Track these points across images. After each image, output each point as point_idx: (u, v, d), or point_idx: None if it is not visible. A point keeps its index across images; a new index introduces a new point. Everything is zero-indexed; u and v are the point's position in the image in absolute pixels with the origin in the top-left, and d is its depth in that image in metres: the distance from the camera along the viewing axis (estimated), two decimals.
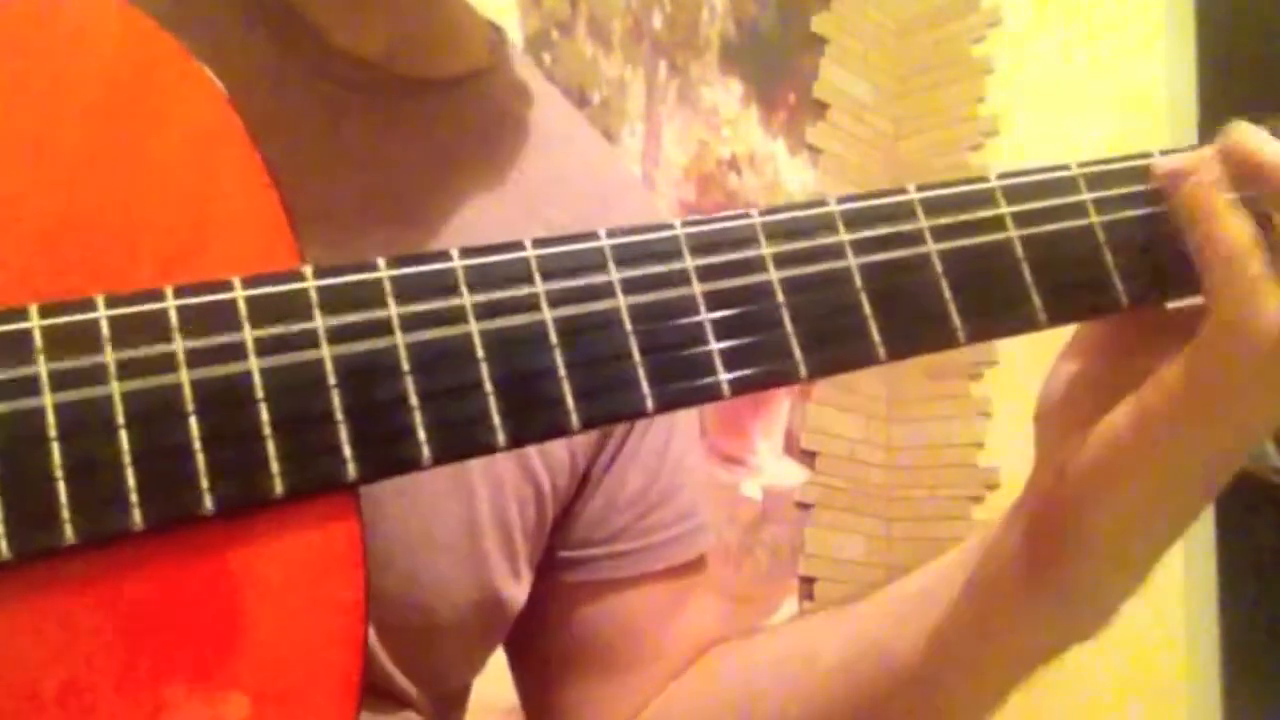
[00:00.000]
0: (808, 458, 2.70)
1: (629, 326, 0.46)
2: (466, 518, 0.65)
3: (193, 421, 0.41)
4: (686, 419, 0.77)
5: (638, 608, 0.74)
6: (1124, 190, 0.52)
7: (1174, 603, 2.36)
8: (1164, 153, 0.53)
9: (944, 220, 0.50)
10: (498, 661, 0.75)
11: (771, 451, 2.63)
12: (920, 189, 0.51)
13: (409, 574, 0.63)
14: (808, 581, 2.66)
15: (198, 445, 0.41)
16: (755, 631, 0.76)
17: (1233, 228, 0.48)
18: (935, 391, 2.78)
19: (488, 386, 0.44)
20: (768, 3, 2.78)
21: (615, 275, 0.46)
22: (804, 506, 2.68)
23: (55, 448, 0.39)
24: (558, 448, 0.69)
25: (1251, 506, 2.35)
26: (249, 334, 0.42)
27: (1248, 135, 0.50)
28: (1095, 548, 0.54)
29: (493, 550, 0.66)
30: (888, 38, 3.02)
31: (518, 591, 0.69)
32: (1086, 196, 0.52)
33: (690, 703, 0.73)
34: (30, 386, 0.40)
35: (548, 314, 0.45)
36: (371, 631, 0.61)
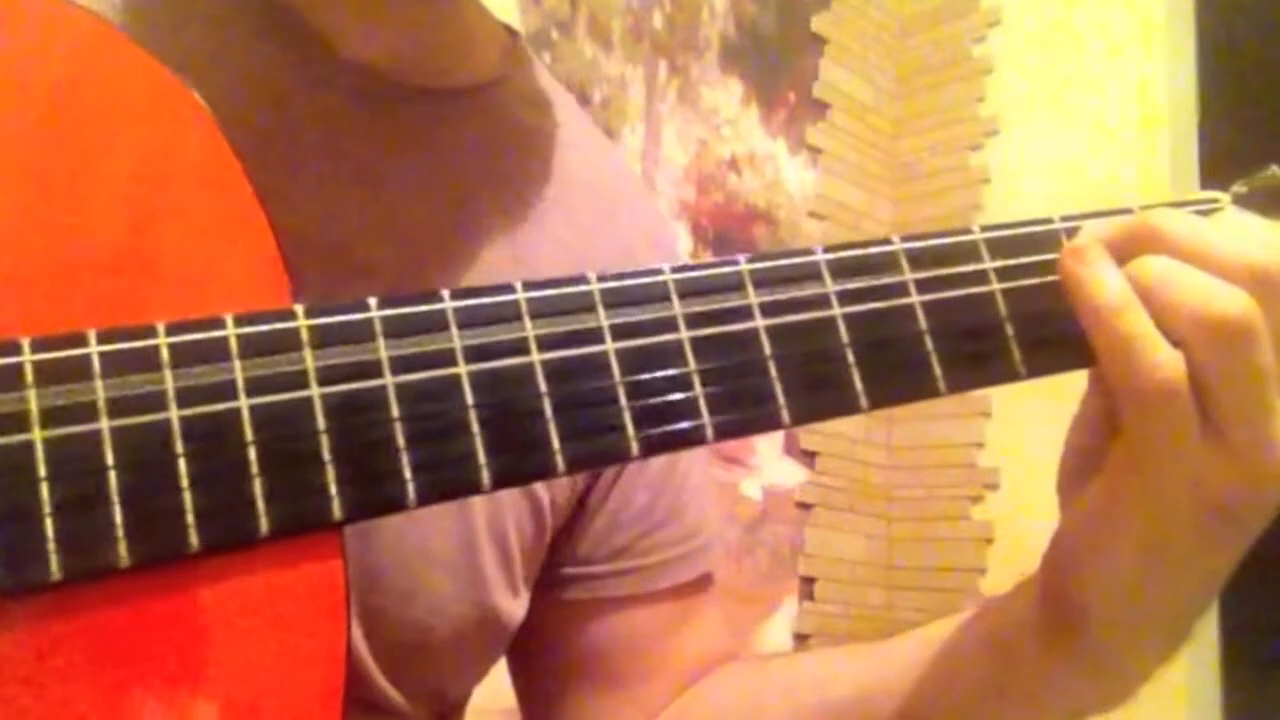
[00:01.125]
0: (808, 458, 2.71)
1: (616, 371, 0.46)
2: (464, 535, 0.64)
3: (181, 460, 0.41)
4: None
5: (641, 624, 0.74)
6: None
7: None
8: (1145, 208, 0.53)
9: (928, 274, 0.51)
10: (497, 663, 0.76)
11: (771, 451, 2.63)
12: (905, 239, 0.51)
13: (406, 591, 0.62)
14: (808, 581, 2.66)
15: (185, 483, 0.41)
16: (768, 657, 0.76)
17: (1102, 285, 0.48)
18: None
19: (475, 428, 0.44)
20: (768, 3, 2.78)
21: (604, 320, 0.46)
22: (804, 506, 2.69)
23: (43, 485, 0.40)
24: None
25: None
26: (239, 372, 0.42)
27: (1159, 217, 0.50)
28: (1096, 617, 0.53)
29: (490, 567, 0.66)
30: (888, 38, 3.02)
31: (515, 608, 0.69)
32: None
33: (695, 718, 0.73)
34: (20, 421, 0.40)
35: (536, 357, 0.45)
36: (367, 648, 0.62)
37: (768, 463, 2.62)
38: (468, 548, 0.65)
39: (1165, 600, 0.52)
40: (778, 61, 2.79)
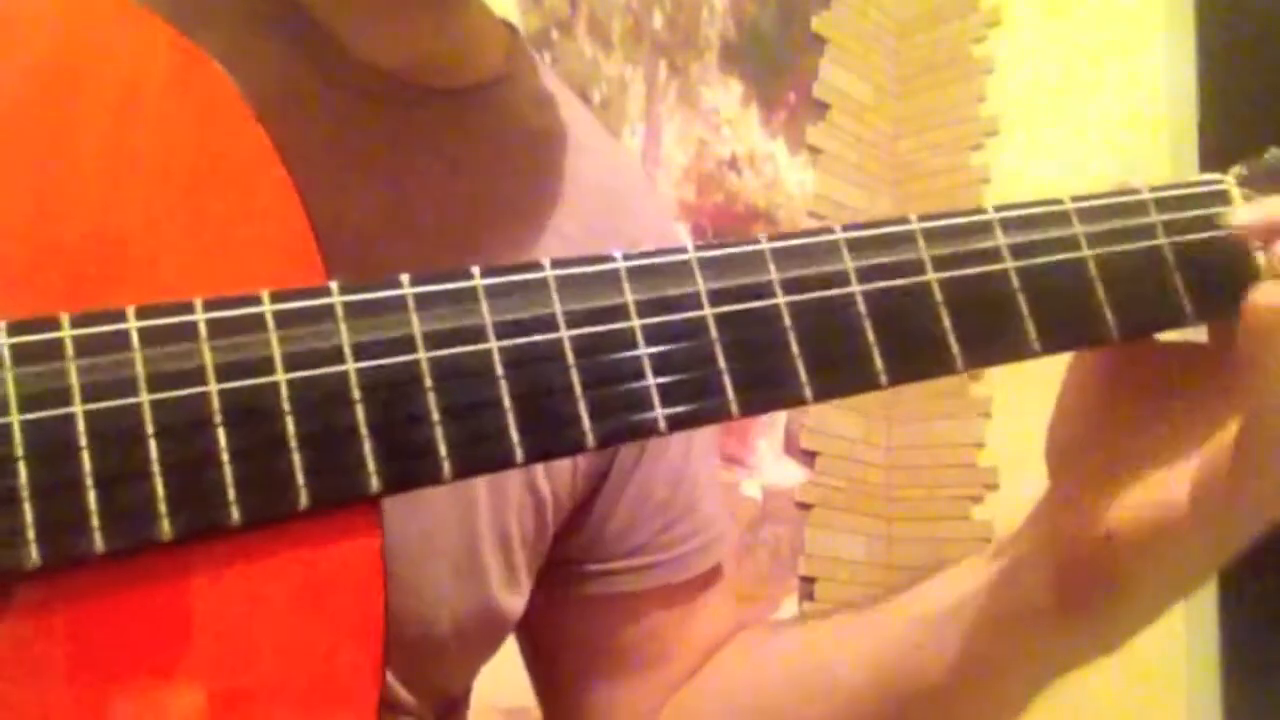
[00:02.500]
0: (808, 458, 2.71)
1: (643, 346, 0.46)
2: (467, 529, 0.65)
3: (220, 433, 0.41)
4: (704, 429, 0.78)
5: (660, 616, 0.74)
6: (1115, 225, 0.53)
7: None
8: (1154, 189, 0.54)
9: (944, 250, 0.51)
10: (497, 661, 0.76)
11: (771, 451, 2.64)
12: (922, 219, 0.51)
13: (410, 585, 0.63)
14: (808, 581, 2.66)
15: (225, 457, 0.41)
16: (775, 629, 0.77)
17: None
18: (935, 391, 2.78)
19: (507, 403, 0.44)
20: (768, 3, 2.78)
21: (630, 296, 0.47)
22: (804, 506, 2.69)
23: (85, 455, 0.40)
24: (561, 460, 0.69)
25: None
26: (276, 347, 0.43)
27: None
28: (1137, 598, 0.54)
29: (492, 562, 0.66)
30: (888, 38, 3.03)
31: (515, 602, 0.69)
32: (1080, 230, 0.53)
33: (705, 701, 0.73)
34: (62, 395, 0.40)
35: (565, 333, 0.45)
36: None
37: (768, 463, 2.62)
38: (470, 543, 0.65)
39: (1201, 579, 0.54)
40: (778, 61, 2.79)
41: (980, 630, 0.59)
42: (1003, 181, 2.80)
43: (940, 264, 0.51)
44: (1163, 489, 0.52)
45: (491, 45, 0.73)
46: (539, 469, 0.68)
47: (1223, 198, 0.55)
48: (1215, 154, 2.46)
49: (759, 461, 2.60)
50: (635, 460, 0.73)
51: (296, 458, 0.42)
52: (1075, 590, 0.55)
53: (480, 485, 0.65)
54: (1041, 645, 0.57)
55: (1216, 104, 2.55)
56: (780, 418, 2.64)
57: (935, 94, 2.95)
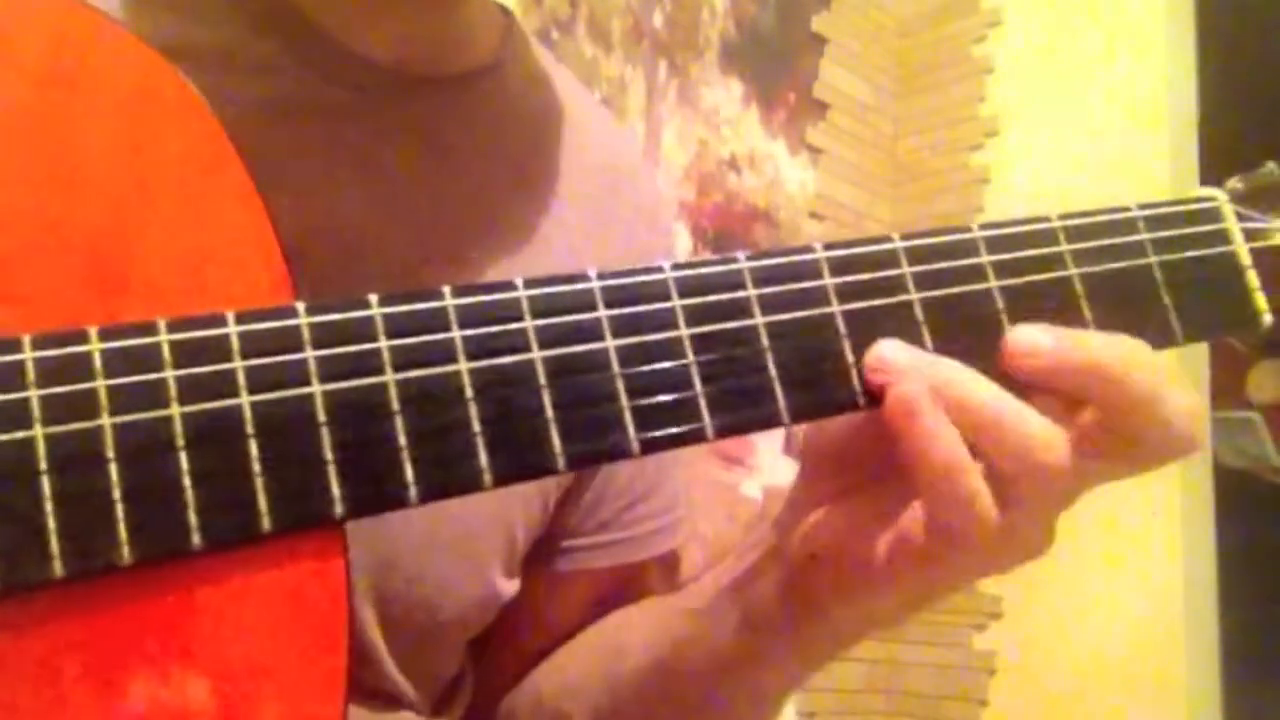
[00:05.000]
0: None
1: (617, 368, 0.46)
2: (470, 518, 0.65)
3: (183, 456, 0.41)
4: None
5: (611, 595, 0.75)
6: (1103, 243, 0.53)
7: (1174, 603, 2.36)
8: (1143, 206, 0.54)
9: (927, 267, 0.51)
10: None
11: (771, 451, 2.63)
12: (905, 237, 0.51)
13: (415, 573, 0.63)
14: None
15: (187, 481, 0.41)
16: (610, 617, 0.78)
17: (947, 440, 0.47)
18: None
19: (476, 426, 0.44)
20: (768, 3, 2.78)
21: (603, 313, 0.46)
22: None
23: (44, 480, 0.40)
24: None
25: (1252, 506, 2.36)
26: (240, 368, 0.42)
27: (954, 373, 0.49)
28: (847, 625, 0.56)
29: (493, 549, 0.67)
30: (888, 38, 3.02)
31: (510, 587, 0.70)
32: (1066, 248, 0.53)
33: (548, 667, 0.75)
34: (21, 418, 0.40)
35: (537, 354, 0.45)
36: (380, 632, 0.62)
37: (768, 463, 2.62)
38: (475, 534, 0.66)
39: (898, 616, 0.55)
40: (778, 61, 2.79)
41: (727, 627, 0.60)
42: (1003, 181, 2.79)
43: (923, 282, 0.51)
44: (866, 538, 0.52)
45: (486, 30, 0.72)
46: None
47: (1214, 215, 0.54)
48: (1215, 154, 2.46)
49: (759, 461, 2.60)
50: None
51: (260, 482, 0.41)
52: (798, 603, 0.56)
53: None
54: (784, 643, 0.58)
55: (1216, 104, 2.54)
56: None
57: (935, 94, 2.95)
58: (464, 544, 0.65)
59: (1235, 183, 0.56)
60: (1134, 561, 2.33)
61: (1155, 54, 2.59)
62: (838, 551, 0.53)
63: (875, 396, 0.48)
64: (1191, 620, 2.38)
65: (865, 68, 2.96)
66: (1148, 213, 0.54)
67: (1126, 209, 0.54)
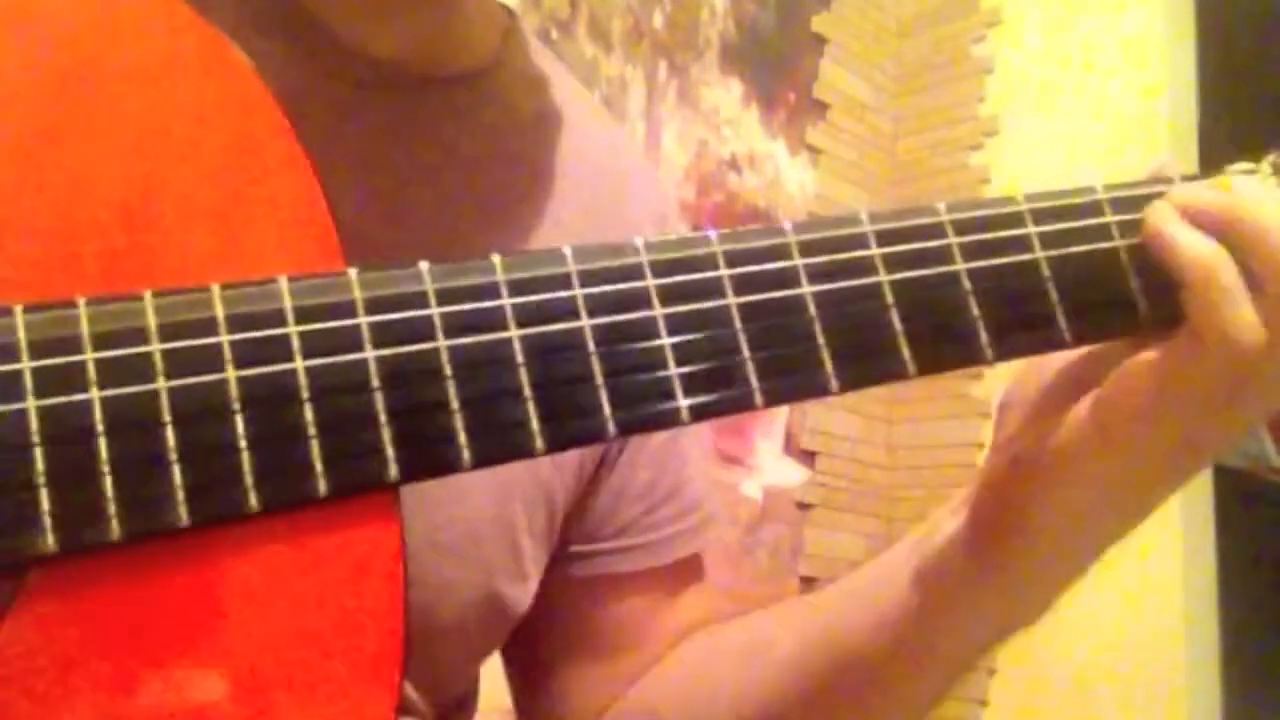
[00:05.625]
0: (808, 458, 2.71)
1: (665, 337, 0.46)
2: (469, 522, 0.65)
3: (239, 420, 0.41)
4: None
5: (637, 601, 0.74)
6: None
7: (1174, 603, 2.37)
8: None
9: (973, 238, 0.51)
10: (499, 662, 0.76)
11: (771, 451, 2.63)
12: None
13: (412, 578, 0.62)
14: (808, 581, 2.66)
15: (243, 444, 0.41)
16: (729, 619, 0.77)
17: (1197, 242, 0.50)
18: (935, 391, 2.78)
19: (527, 392, 0.44)
20: (768, 3, 2.78)
21: (652, 282, 0.47)
22: (804, 506, 2.69)
23: (101, 442, 0.40)
24: None
25: (1251, 506, 2.36)
26: (294, 333, 0.42)
27: (1188, 192, 0.52)
28: (1039, 538, 0.55)
29: (496, 552, 0.66)
30: (888, 38, 3.03)
31: (522, 593, 0.69)
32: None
33: (661, 688, 0.73)
34: (78, 381, 0.40)
35: (586, 322, 0.45)
36: None
37: (768, 463, 2.62)
38: (474, 538, 0.65)
39: (1107, 532, 0.55)
40: (778, 61, 2.79)
41: (899, 584, 0.60)
42: (1003, 181, 2.80)
43: (968, 254, 0.51)
44: (1069, 420, 0.53)
45: (487, 29, 0.72)
46: (544, 459, 0.68)
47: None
48: (1215, 154, 2.46)
49: (759, 461, 2.60)
50: (621, 445, 0.73)
51: (315, 445, 0.41)
52: (984, 525, 0.56)
53: (483, 477, 0.65)
54: (956, 598, 0.58)
55: (1216, 104, 2.55)
56: (780, 417, 2.64)
57: (935, 94, 2.95)
58: (465, 547, 0.65)
59: (1276, 157, 0.56)
60: (1134, 562, 2.33)
61: (1155, 53, 2.60)
62: (1038, 445, 0.53)
63: (926, 369, 0.48)
64: (1191, 620, 2.38)
65: (865, 68, 2.96)
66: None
67: (1171, 181, 0.54)
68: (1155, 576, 2.36)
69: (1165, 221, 0.51)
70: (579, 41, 2.38)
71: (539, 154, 0.72)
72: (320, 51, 0.64)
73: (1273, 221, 0.49)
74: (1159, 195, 0.53)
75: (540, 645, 0.75)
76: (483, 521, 0.66)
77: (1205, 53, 2.59)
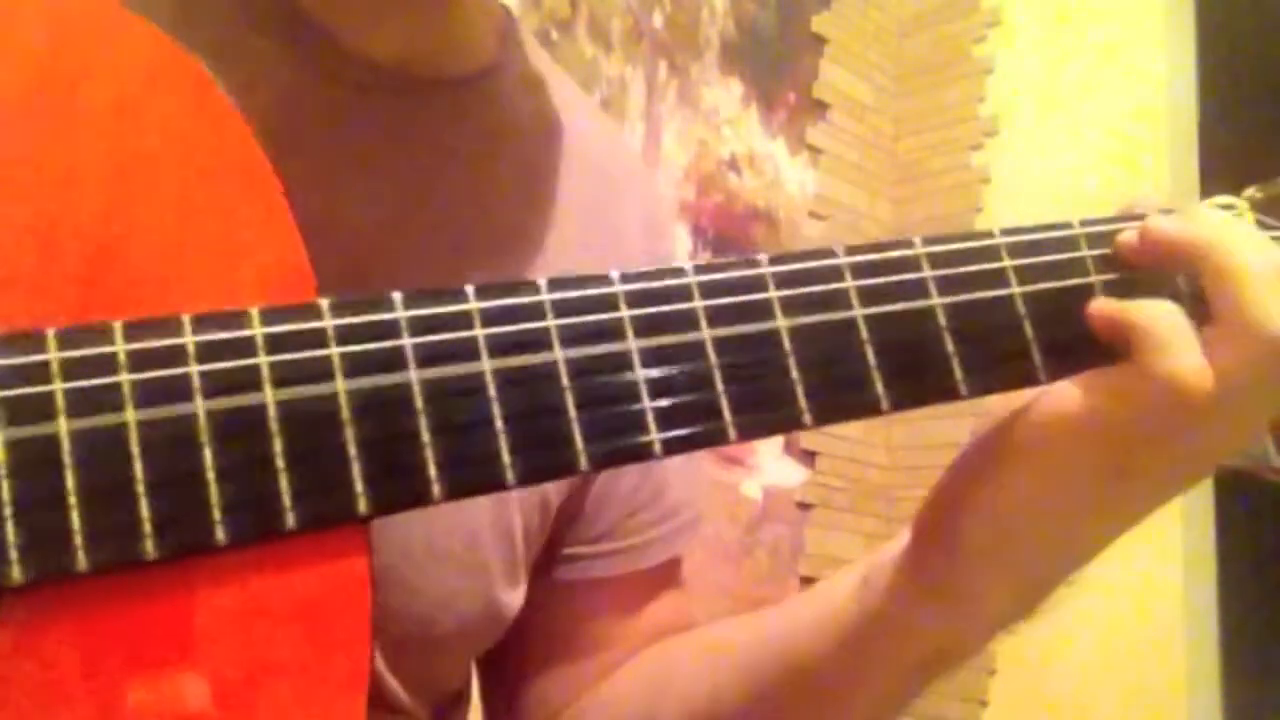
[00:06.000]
0: (808, 458, 2.71)
1: (639, 368, 0.46)
2: (469, 528, 0.65)
3: (207, 452, 0.41)
4: None
5: (613, 604, 0.75)
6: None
7: (1174, 603, 2.37)
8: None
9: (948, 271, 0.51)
10: None
11: (771, 451, 2.63)
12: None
13: (412, 587, 0.63)
14: (808, 581, 2.66)
15: (211, 476, 0.41)
16: (692, 631, 0.77)
17: (1150, 305, 0.50)
18: None
19: (499, 424, 0.44)
20: (768, 3, 2.78)
21: (625, 313, 0.46)
22: (804, 506, 2.69)
23: (69, 473, 0.39)
24: None
25: (1251, 506, 2.36)
26: (264, 364, 0.42)
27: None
28: (970, 551, 0.55)
29: (494, 560, 0.66)
30: (888, 38, 3.03)
31: (515, 597, 0.69)
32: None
33: (618, 686, 0.74)
34: (47, 412, 0.40)
35: (559, 353, 0.45)
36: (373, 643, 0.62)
37: (768, 463, 2.62)
38: (472, 542, 0.65)
39: (1027, 554, 0.54)
40: (778, 61, 2.79)
41: (848, 594, 0.60)
42: (1003, 181, 2.80)
43: (944, 288, 0.51)
44: (996, 427, 0.53)
45: (486, 31, 0.72)
46: None
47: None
48: (1215, 154, 2.46)
49: (759, 461, 2.60)
50: None
51: (284, 478, 0.41)
52: (921, 542, 0.57)
53: None
54: (898, 614, 0.58)
55: (1216, 104, 2.54)
56: None
57: (935, 94, 2.95)
58: (465, 556, 0.65)
59: (1254, 191, 0.56)
60: (1134, 561, 2.33)
61: (1155, 54, 2.60)
62: (964, 461, 0.55)
63: (900, 405, 0.49)
64: (1191, 620, 2.38)
65: (865, 68, 2.96)
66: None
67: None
68: (1155, 576, 2.36)
69: (1133, 251, 0.52)
70: (579, 41, 2.39)
71: (539, 156, 0.72)
72: (319, 53, 0.64)
73: (1234, 261, 0.49)
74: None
75: (513, 647, 0.74)
76: (482, 529, 0.65)
77: (1205, 53, 2.59)
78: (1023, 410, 0.52)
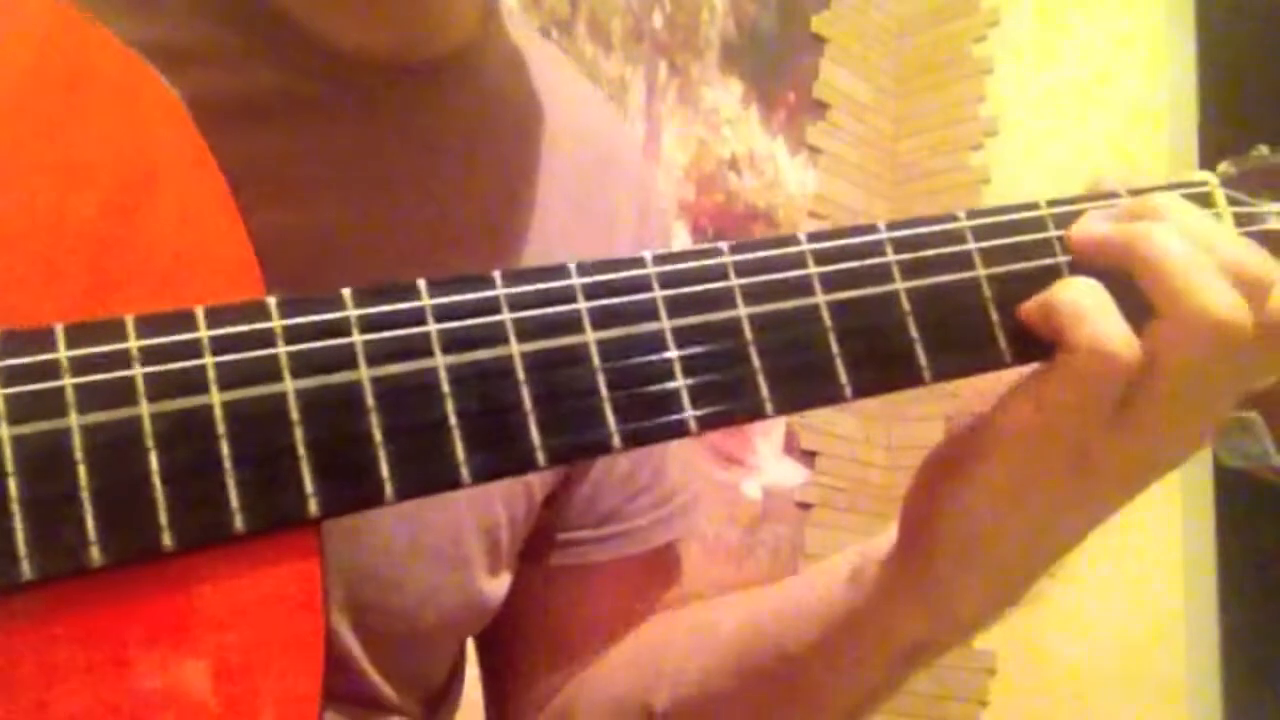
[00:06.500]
0: (808, 458, 2.70)
1: (597, 362, 0.45)
2: (451, 522, 0.64)
3: (153, 455, 0.40)
4: None
5: (612, 587, 0.74)
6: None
7: (1174, 603, 2.36)
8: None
9: (915, 255, 0.51)
10: None
11: (771, 451, 2.63)
12: (891, 226, 0.51)
13: (394, 582, 0.62)
14: None
15: (157, 480, 0.40)
16: (686, 609, 0.76)
17: (1065, 283, 0.50)
18: (935, 392, 2.78)
19: (453, 422, 0.43)
20: (768, 3, 2.78)
21: (583, 305, 0.46)
22: (804, 506, 2.69)
23: (10, 481, 0.39)
24: None
25: (1251, 506, 2.35)
26: (210, 365, 0.41)
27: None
28: (945, 549, 0.54)
29: (477, 552, 0.66)
30: (888, 38, 3.02)
31: (498, 588, 0.69)
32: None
33: (613, 663, 0.73)
34: None
35: (515, 348, 0.45)
36: (355, 639, 0.61)
37: (768, 463, 2.62)
38: (455, 536, 0.65)
39: (1000, 551, 0.54)
40: (778, 61, 2.79)
41: (837, 581, 0.60)
42: (1003, 181, 2.79)
43: (908, 273, 0.50)
44: (959, 427, 0.53)
45: (463, 11, 0.69)
46: None
47: (1206, 199, 0.54)
48: (1215, 154, 2.45)
49: (759, 461, 2.60)
50: None
51: (231, 481, 0.40)
52: (902, 535, 0.56)
53: None
54: (878, 605, 0.58)
55: (1216, 104, 2.54)
56: (781, 418, 2.64)
57: (935, 94, 2.95)
58: (447, 550, 0.64)
59: (1226, 167, 0.56)
60: (1134, 561, 2.33)
61: (1155, 54, 2.59)
62: (935, 454, 0.54)
63: (862, 393, 0.49)
64: (1191, 620, 2.37)
65: (865, 68, 2.96)
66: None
67: (1117, 194, 0.53)
68: (1155, 576, 2.35)
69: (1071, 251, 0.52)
70: (579, 41, 2.39)
71: (522, 140, 0.70)
72: (287, 47, 0.61)
73: (1159, 254, 0.49)
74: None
75: (512, 636, 0.74)
76: (465, 523, 0.65)
77: (1205, 53, 2.58)
78: (981, 419, 0.52)
